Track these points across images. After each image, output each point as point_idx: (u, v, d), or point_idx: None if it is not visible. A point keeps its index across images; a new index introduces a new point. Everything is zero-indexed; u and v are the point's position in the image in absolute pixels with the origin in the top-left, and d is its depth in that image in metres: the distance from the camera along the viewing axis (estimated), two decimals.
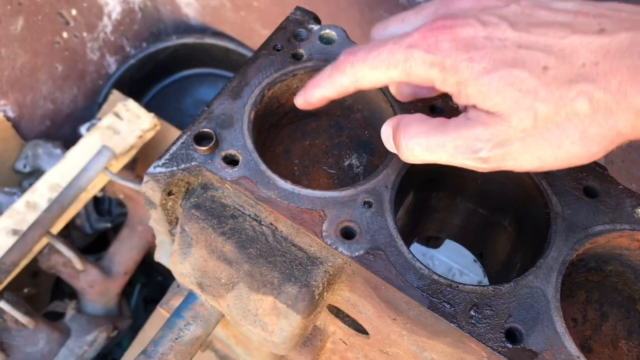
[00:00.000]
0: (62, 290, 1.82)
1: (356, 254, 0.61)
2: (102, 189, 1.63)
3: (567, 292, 0.72)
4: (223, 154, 0.66)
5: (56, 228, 1.50)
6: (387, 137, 0.61)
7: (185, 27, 2.08)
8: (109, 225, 1.78)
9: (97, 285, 1.63)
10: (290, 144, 0.77)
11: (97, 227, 1.77)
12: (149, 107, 1.81)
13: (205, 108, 0.69)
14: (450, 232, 0.85)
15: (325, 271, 0.62)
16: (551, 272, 0.60)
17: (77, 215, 1.71)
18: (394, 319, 0.63)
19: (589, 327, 0.70)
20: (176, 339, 0.65)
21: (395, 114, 0.69)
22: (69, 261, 1.54)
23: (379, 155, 0.76)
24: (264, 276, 0.63)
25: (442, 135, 0.56)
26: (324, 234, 0.62)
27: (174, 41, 1.99)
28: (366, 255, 0.61)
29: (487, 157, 0.54)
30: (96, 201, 1.79)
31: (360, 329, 0.75)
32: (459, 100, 0.55)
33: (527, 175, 0.66)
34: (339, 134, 0.78)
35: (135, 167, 1.71)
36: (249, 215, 0.65)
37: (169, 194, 0.66)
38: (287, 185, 0.64)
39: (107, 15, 1.90)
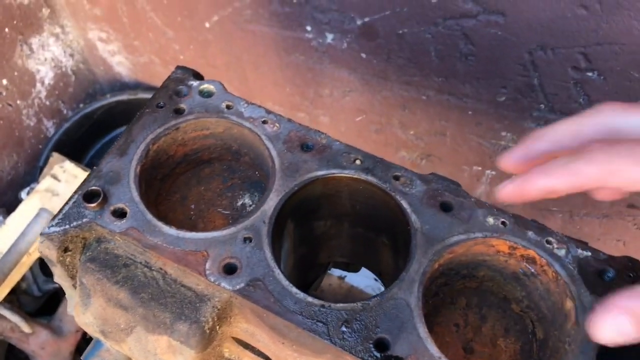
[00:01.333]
0: (17, 356, 1.82)
1: (237, 287, 0.66)
2: None
3: (448, 300, 0.78)
4: (112, 208, 0.71)
5: (1, 294, 1.53)
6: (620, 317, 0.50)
7: (120, 85, 2.14)
8: (57, 285, 1.80)
9: (48, 347, 1.65)
10: (187, 191, 0.83)
11: (45, 288, 1.79)
12: (91, 165, 1.86)
13: (95, 168, 0.74)
14: (349, 255, 0.91)
15: (214, 306, 0.68)
16: (413, 284, 0.66)
17: (24, 278, 1.73)
18: (283, 343, 0.69)
19: (471, 330, 0.76)
20: None
21: (270, 156, 0.75)
22: (16, 326, 1.56)
23: (266, 192, 0.82)
24: (157, 317, 0.68)
25: None
26: (208, 272, 0.67)
27: (109, 99, 2.05)
28: (247, 287, 0.66)
29: None
30: (42, 262, 1.81)
31: (269, 358, 0.80)
32: None
33: (390, 196, 0.72)
34: (232, 176, 0.85)
35: None
36: (140, 263, 0.70)
37: (65, 250, 0.71)
38: (171, 231, 0.70)
39: (40, 82, 1.96)
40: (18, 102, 1.89)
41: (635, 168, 0.49)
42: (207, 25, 1.68)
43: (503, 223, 0.70)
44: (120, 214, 0.71)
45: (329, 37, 1.50)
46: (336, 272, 1.09)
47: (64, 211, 0.71)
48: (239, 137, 0.80)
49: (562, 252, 0.68)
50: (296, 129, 0.78)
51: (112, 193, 0.72)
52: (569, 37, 1.19)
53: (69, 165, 1.73)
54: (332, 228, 0.86)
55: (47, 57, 1.95)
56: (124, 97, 2.05)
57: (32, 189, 1.73)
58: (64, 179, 1.71)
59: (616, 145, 0.50)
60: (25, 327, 1.55)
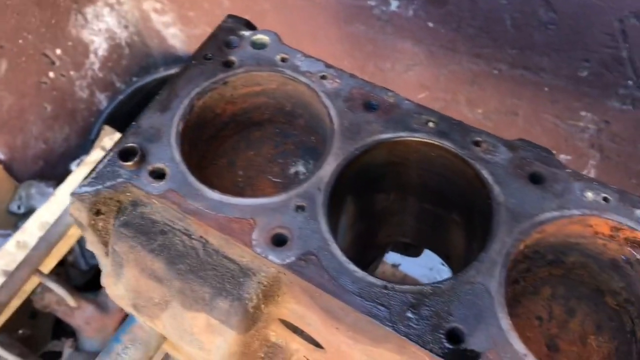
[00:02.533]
0: (64, 329, 1.80)
1: (287, 261, 0.58)
2: None
3: (530, 289, 0.67)
4: (150, 168, 0.63)
5: (47, 266, 1.49)
6: None
7: (173, 58, 2.09)
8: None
9: (93, 322, 1.61)
10: (234, 156, 0.75)
11: (92, 262, 1.75)
12: None
13: (134, 123, 0.67)
14: (412, 235, 0.81)
15: (259, 282, 0.59)
16: (494, 266, 0.56)
17: (72, 252, 1.70)
18: (337, 328, 0.60)
19: (555, 324, 0.65)
20: None
21: (329, 115, 0.66)
22: (62, 299, 1.52)
23: (323, 161, 0.73)
24: (195, 292, 0.60)
25: None
26: (254, 242, 0.59)
27: (162, 73, 2.00)
28: (298, 261, 0.57)
29: None
30: None
31: (319, 344, 0.71)
32: None
33: (467, 164, 0.62)
34: (284, 141, 0.76)
35: None
36: (179, 230, 0.62)
37: (97, 213, 0.64)
38: (215, 195, 0.61)
39: (94, 53, 1.92)
40: (71, 73, 1.86)
41: None
42: None
43: (605, 199, 0.59)
44: (158, 175, 0.63)
45: (394, 4, 1.39)
46: (390, 257, 0.99)
47: (97, 170, 0.64)
48: (293, 95, 0.71)
49: None
50: (360, 85, 0.68)
51: (151, 151, 0.64)
52: None
53: (119, 137, 1.69)
54: (396, 203, 0.76)
55: (101, 28, 1.91)
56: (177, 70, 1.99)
57: (82, 160, 1.69)
58: None
59: None
60: (71, 301, 1.51)
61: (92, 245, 0.69)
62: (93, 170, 0.64)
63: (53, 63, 1.79)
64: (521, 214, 0.59)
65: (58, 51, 1.79)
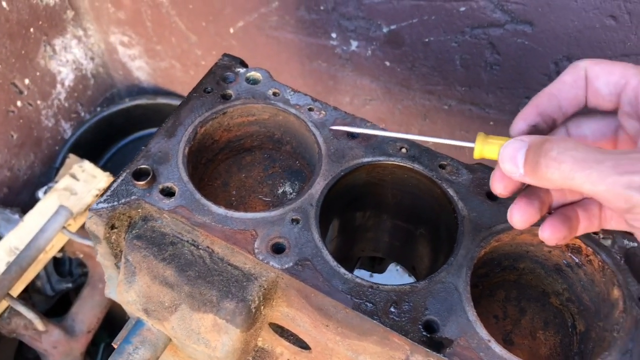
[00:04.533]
0: (24, 356, 1.81)
1: (286, 266, 0.67)
2: (62, 250, 1.66)
3: (487, 292, 0.78)
4: (160, 186, 0.72)
5: (16, 290, 1.52)
6: (514, 152, 0.55)
7: (137, 90, 2.16)
8: (70, 285, 1.80)
9: (60, 346, 1.63)
10: (228, 178, 0.84)
11: (58, 288, 1.78)
12: (106, 169, 1.86)
13: (143, 148, 0.75)
14: (384, 249, 0.92)
15: (260, 285, 0.68)
16: (461, 268, 0.67)
17: (38, 277, 1.72)
18: (327, 325, 0.69)
19: (510, 322, 0.77)
20: None
21: (317, 142, 0.76)
22: (30, 323, 1.55)
23: (308, 184, 0.83)
24: (203, 295, 0.68)
25: (600, 153, 0.48)
26: (256, 250, 0.68)
27: (127, 103, 2.06)
28: (295, 266, 0.67)
29: None
30: (56, 263, 1.80)
31: (304, 345, 0.80)
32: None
33: (436, 184, 0.73)
34: (272, 165, 0.85)
35: None
36: (187, 241, 0.71)
37: (112, 227, 0.72)
38: (220, 210, 0.70)
39: (60, 83, 1.97)
40: (38, 102, 1.91)
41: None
42: (232, 30, 1.70)
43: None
44: (168, 193, 0.72)
45: (354, 44, 1.52)
46: (361, 273, 1.09)
47: (112, 188, 0.72)
48: (283, 125, 0.81)
49: (608, 242, 0.69)
50: (342, 116, 0.79)
51: (161, 172, 0.73)
52: (596, 48, 1.21)
53: (88, 165, 1.74)
54: (371, 219, 0.87)
55: (68, 59, 1.97)
56: (142, 101, 2.06)
57: (50, 187, 1.73)
58: (82, 178, 1.71)
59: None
60: (40, 325, 1.54)
61: (104, 256, 0.76)
62: (108, 189, 0.72)
63: (21, 92, 1.83)
64: (481, 225, 0.70)
65: (26, 81, 1.83)
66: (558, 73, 1.29)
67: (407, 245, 0.87)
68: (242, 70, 0.83)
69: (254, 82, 0.82)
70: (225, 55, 0.85)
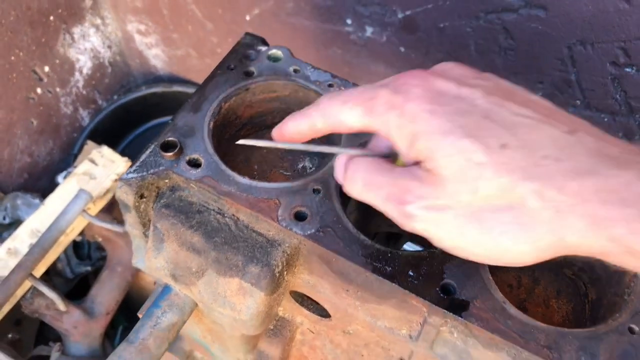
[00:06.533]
0: (45, 336, 1.85)
1: (308, 232, 0.70)
2: (81, 233, 1.70)
3: None
4: (187, 158, 0.75)
5: (38, 271, 1.56)
6: (339, 166, 0.61)
7: (154, 78, 2.19)
8: (89, 268, 1.84)
9: (80, 326, 1.67)
10: (249, 153, 0.87)
11: (78, 271, 1.82)
12: (123, 155, 1.90)
13: (170, 121, 0.78)
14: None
15: (284, 251, 0.71)
16: None
17: (58, 260, 1.76)
18: (347, 290, 0.72)
19: (524, 291, 0.79)
20: (154, 325, 0.73)
21: None
22: (52, 303, 1.59)
23: (328, 157, 0.86)
24: (229, 260, 0.71)
25: (382, 176, 0.55)
26: (280, 218, 0.71)
27: (144, 91, 2.10)
28: (317, 233, 0.70)
29: (413, 214, 0.52)
30: (76, 246, 1.85)
31: (324, 314, 0.83)
32: (409, 153, 0.53)
33: None
34: None
35: (113, 210, 1.78)
36: (213, 210, 0.74)
37: (141, 197, 0.75)
38: (244, 180, 0.73)
39: (79, 71, 2.01)
40: (57, 89, 1.94)
41: (340, 107, 0.57)
42: (248, 18, 1.72)
43: None
44: (195, 164, 0.75)
45: (369, 30, 1.54)
46: None
47: (141, 159, 0.75)
48: (304, 101, 0.84)
49: None
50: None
51: (187, 144, 0.76)
52: (610, 32, 1.23)
53: (106, 150, 1.77)
54: None
55: (86, 47, 2.00)
56: (158, 89, 2.09)
57: (70, 172, 1.77)
58: (101, 163, 1.75)
59: (337, 93, 0.60)
60: (61, 305, 1.58)
61: (132, 226, 0.79)
62: (137, 159, 0.75)
63: (41, 79, 1.87)
64: None
65: (46, 68, 1.87)
66: (572, 57, 1.31)
67: None
68: (263, 48, 0.86)
69: (275, 59, 0.85)
70: (247, 34, 0.87)
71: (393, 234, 1.06)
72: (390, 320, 0.72)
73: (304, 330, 0.89)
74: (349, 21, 1.55)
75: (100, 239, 1.78)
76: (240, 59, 0.85)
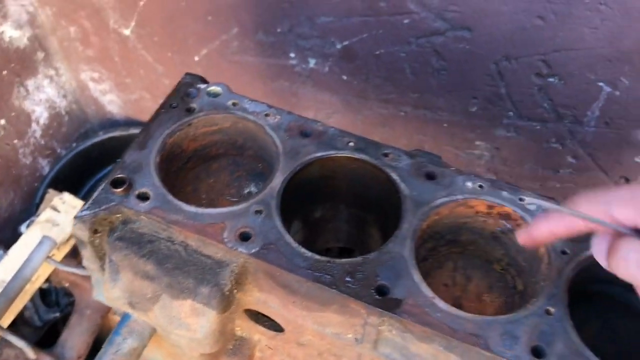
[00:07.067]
0: None
1: (253, 250, 0.76)
2: (48, 280, 1.72)
3: (437, 264, 0.88)
4: (137, 192, 0.80)
5: (5, 321, 1.57)
6: (603, 246, 0.59)
7: (111, 123, 2.24)
8: (57, 315, 1.85)
9: None
10: (198, 184, 0.93)
11: (46, 318, 1.83)
12: (85, 200, 1.93)
13: (119, 160, 0.84)
14: (344, 238, 1.01)
15: (232, 271, 0.77)
16: (405, 239, 0.76)
17: (25, 308, 1.77)
18: (294, 302, 0.77)
19: (458, 289, 0.86)
20: (116, 351, 0.77)
21: (274, 143, 0.86)
22: (21, 352, 1.60)
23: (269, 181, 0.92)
24: (181, 284, 0.76)
25: None
26: (226, 240, 0.76)
27: (101, 137, 2.14)
28: (261, 250, 0.76)
29: None
30: (43, 294, 1.86)
31: (278, 329, 0.88)
32: None
33: (381, 170, 0.83)
34: (237, 169, 0.94)
35: (78, 254, 1.81)
36: (163, 238, 0.79)
37: (95, 232, 0.80)
38: (191, 208, 0.79)
39: (36, 122, 2.05)
40: (15, 141, 1.98)
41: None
42: (197, 58, 1.79)
43: (480, 186, 0.81)
44: (144, 197, 0.80)
45: (312, 62, 1.62)
46: None
47: (93, 197, 0.80)
48: (244, 131, 0.90)
49: (533, 207, 0.79)
50: (295, 119, 0.88)
51: (136, 180, 0.82)
52: (530, 46, 1.33)
53: (68, 197, 1.80)
54: (330, 211, 0.96)
55: (42, 98, 2.05)
56: (115, 133, 2.14)
57: (32, 221, 1.79)
58: (63, 209, 1.78)
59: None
60: (31, 353, 1.59)
61: (89, 260, 0.84)
62: (90, 198, 0.80)
63: None
64: (421, 202, 0.80)
65: (2, 121, 1.91)
66: (499, 72, 1.41)
67: (363, 231, 0.96)
68: (203, 86, 0.93)
69: (215, 95, 0.92)
70: (187, 74, 0.94)
71: (345, 248, 1.12)
72: (335, 326, 0.78)
73: (262, 347, 0.94)
74: (292, 55, 1.64)
75: (67, 284, 1.80)
76: (182, 97, 0.91)
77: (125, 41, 1.87)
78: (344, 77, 1.62)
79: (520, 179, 1.65)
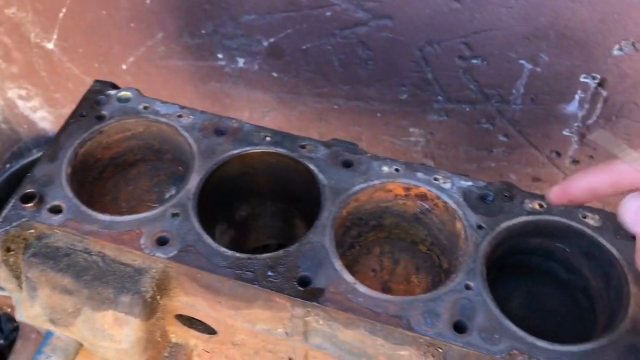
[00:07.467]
0: None
1: (171, 254, 0.74)
2: None
3: (364, 250, 0.88)
4: (48, 206, 0.78)
5: None
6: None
7: (45, 140, 2.18)
8: (2, 341, 1.80)
9: None
10: (117, 192, 0.91)
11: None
12: None
13: (28, 174, 0.81)
14: (275, 234, 1.00)
15: (152, 277, 0.75)
16: (325, 228, 0.76)
17: None
18: (219, 302, 0.77)
19: (386, 272, 0.86)
20: None
21: (188, 143, 0.84)
22: None
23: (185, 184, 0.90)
24: (101, 295, 0.74)
25: None
26: (143, 246, 0.75)
27: (35, 155, 2.08)
28: (179, 253, 0.74)
29: None
30: None
31: (212, 331, 0.87)
32: None
33: (298, 162, 0.82)
34: (157, 174, 0.93)
35: None
36: (80, 250, 0.77)
37: (8, 250, 0.77)
38: (105, 217, 0.77)
39: None
40: None
41: None
42: (124, 67, 1.76)
43: (396, 169, 0.81)
44: (56, 210, 0.78)
45: (240, 61, 1.61)
46: None
47: (3, 214, 0.77)
48: (158, 134, 0.89)
49: (447, 185, 0.79)
50: (209, 118, 0.87)
51: (47, 193, 0.79)
52: (450, 30, 1.34)
53: None
54: (257, 208, 0.95)
55: None
56: None
57: None
58: None
59: None
60: None
61: (5, 280, 0.81)
62: None
63: None
64: (340, 190, 0.80)
65: None
66: (424, 58, 1.42)
67: (292, 225, 0.96)
68: (113, 92, 0.91)
69: (125, 100, 0.90)
70: (96, 81, 0.92)
71: (281, 245, 1.11)
72: (264, 322, 0.77)
73: (200, 352, 0.93)
74: (220, 55, 1.62)
75: (9, 310, 1.74)
76: (91, 105, 0.89)
77: (49, 55, 1.82)
78: (275, 74, 1.62)
79: (456, 162, 1.67)
